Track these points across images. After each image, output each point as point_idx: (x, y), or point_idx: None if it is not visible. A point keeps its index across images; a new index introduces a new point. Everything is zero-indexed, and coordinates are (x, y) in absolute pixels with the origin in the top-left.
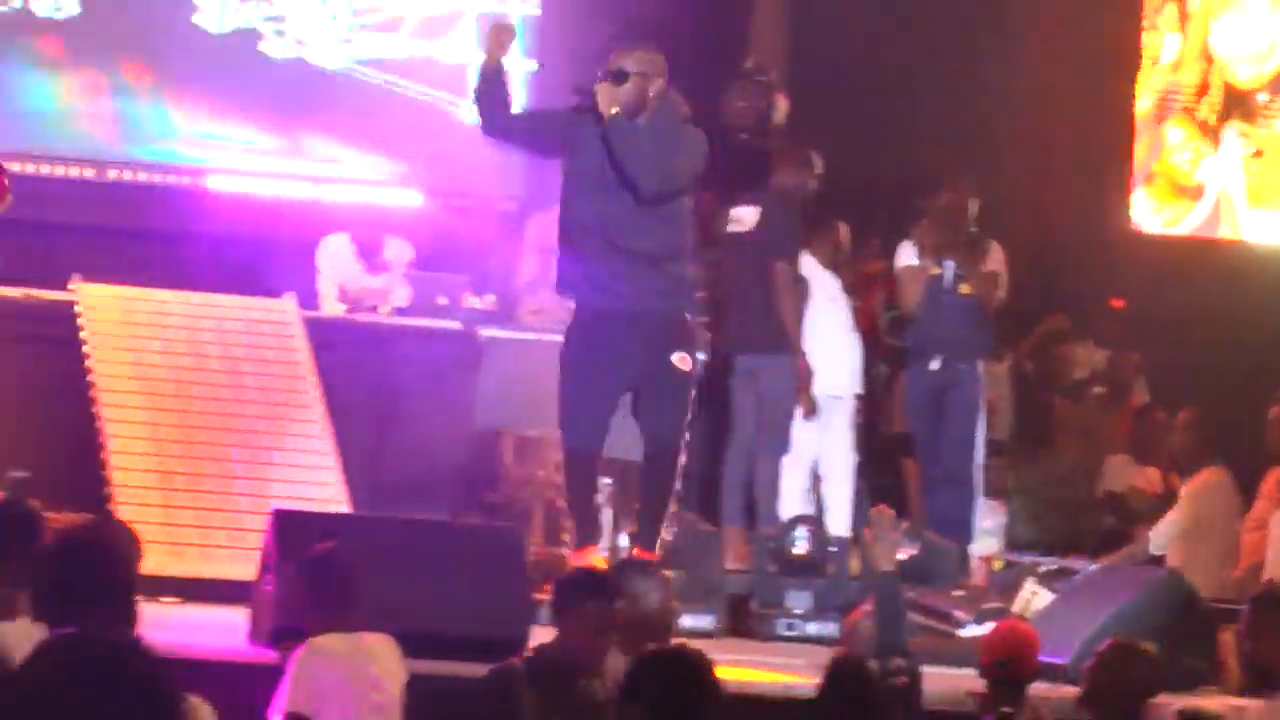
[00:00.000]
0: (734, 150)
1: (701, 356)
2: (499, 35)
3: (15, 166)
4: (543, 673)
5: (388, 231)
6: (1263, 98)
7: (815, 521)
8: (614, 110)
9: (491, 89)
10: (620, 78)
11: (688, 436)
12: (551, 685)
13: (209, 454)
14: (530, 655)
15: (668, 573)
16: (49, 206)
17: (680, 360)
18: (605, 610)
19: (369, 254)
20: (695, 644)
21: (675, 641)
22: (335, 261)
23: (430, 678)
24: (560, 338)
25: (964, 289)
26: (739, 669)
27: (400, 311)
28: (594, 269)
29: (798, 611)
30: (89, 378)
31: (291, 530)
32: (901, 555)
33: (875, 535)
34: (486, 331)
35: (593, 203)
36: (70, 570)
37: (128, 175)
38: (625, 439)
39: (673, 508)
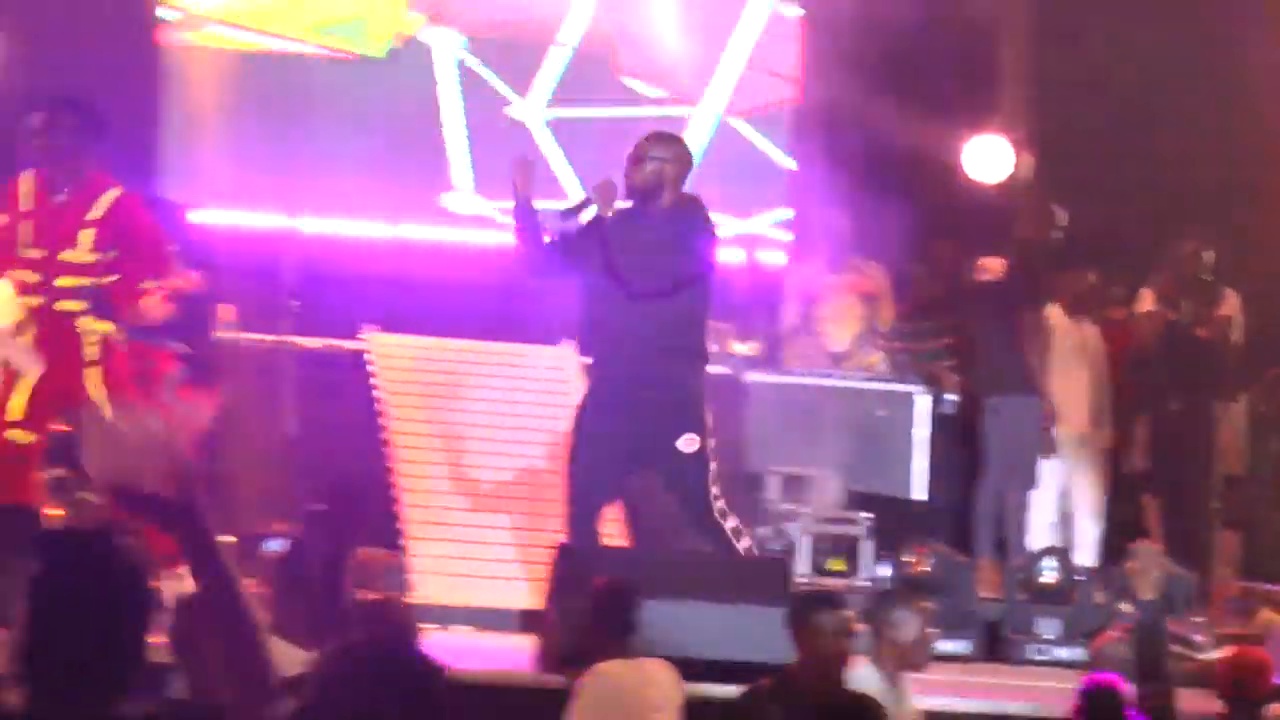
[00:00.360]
0: (982, 204)
1: (953, 397)
2: (523, 171)
3: (314, 223)
4: (787, 690)
5: None
6: None
7: (1063, 552)
8: (610, 212)
9: (526, 229)
10: (639, 161)
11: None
12: (794, 702)
13: (495, 491)
14: (777, 675)
15: (927, 604)
16: (345, 261)
17: (687, 442)
18: (833, 626)
19: None
20: (952, 667)
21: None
22: None
23: (691, 699)
24: (822, 380)
25: (1200, 333)
26: (993, 691)
27: None
28: (606, 352)
29: (1047, 637)
30: (381, 420)
31: (574, 563)
32: None
33: (1140, 566)
34: (753, 376)
35: (602, 293)
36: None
37: (416, 232)
38: (881, 474)
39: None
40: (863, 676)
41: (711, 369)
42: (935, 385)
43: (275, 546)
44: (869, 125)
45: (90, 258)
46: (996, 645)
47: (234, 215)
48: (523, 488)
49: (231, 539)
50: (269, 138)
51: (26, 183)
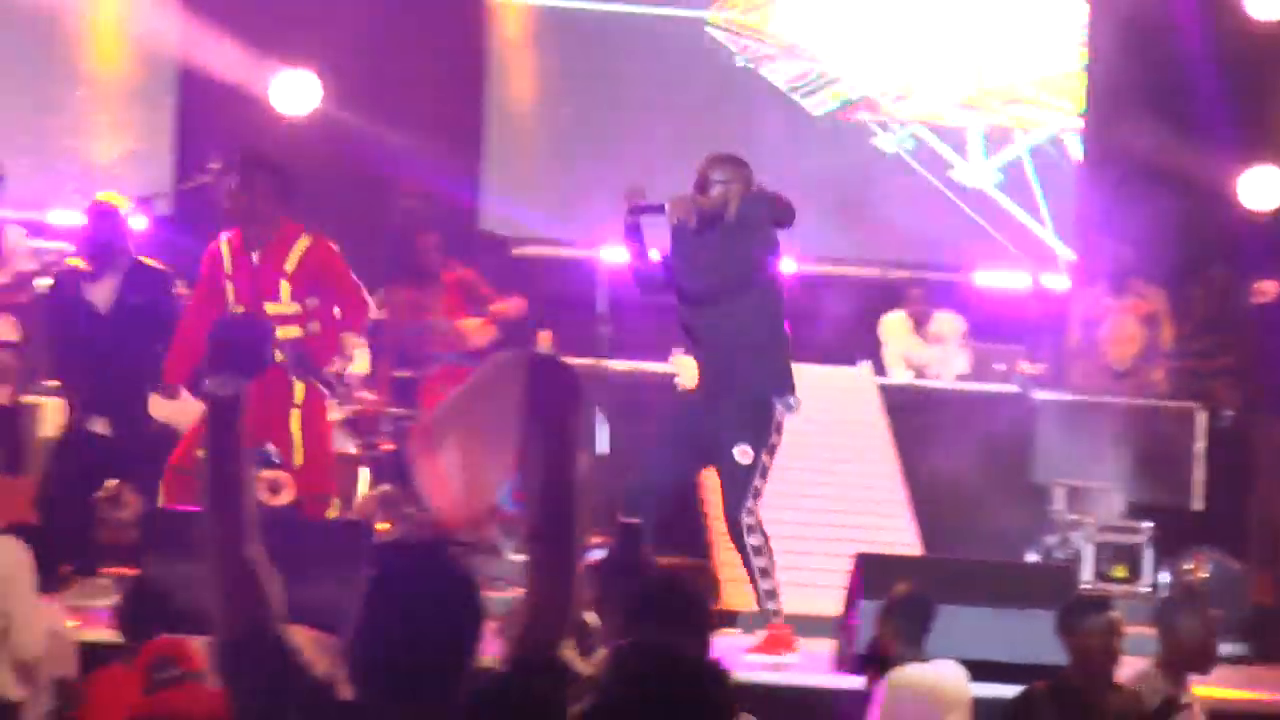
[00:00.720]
0: (1252, 230)
1: (1229, 413)
2: (635, 196)
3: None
4: (1060, 691)
5: (942, 307)
6: None
7: None
8: (676, 220)
9: (636, 248)
10: (704, 188)
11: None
12: (1067, 702)
13: (798, 503)
14: (1053, 676)
15: (1214, 611)
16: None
17: (741, 454)
18: (1101, 628)
19: (920, 326)
20: (1228, 669)
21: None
22: (893, 335)
23: (978, 699)
24: (1105, 398)
25: None
26: (1265, 691)
27: (961, 377)
28: (693, 353)
29: None
30: None
31: (873, 570)
32: None
33: None
34: (1040, 394)
35: (680, 299)
36: (662, 602)
37: None
38: (1161, 485)
39: (762, 562)
40: (1146, 678)
41: (1002, 388)
42: (1213, 401)
43: (593, 556)
44: (1149, 153)
45: (293, 308)
46: (1270, 648)
47: (553, 248)
48: (823, 500)
49: None
50: (597, 172)
51: (225, 246)
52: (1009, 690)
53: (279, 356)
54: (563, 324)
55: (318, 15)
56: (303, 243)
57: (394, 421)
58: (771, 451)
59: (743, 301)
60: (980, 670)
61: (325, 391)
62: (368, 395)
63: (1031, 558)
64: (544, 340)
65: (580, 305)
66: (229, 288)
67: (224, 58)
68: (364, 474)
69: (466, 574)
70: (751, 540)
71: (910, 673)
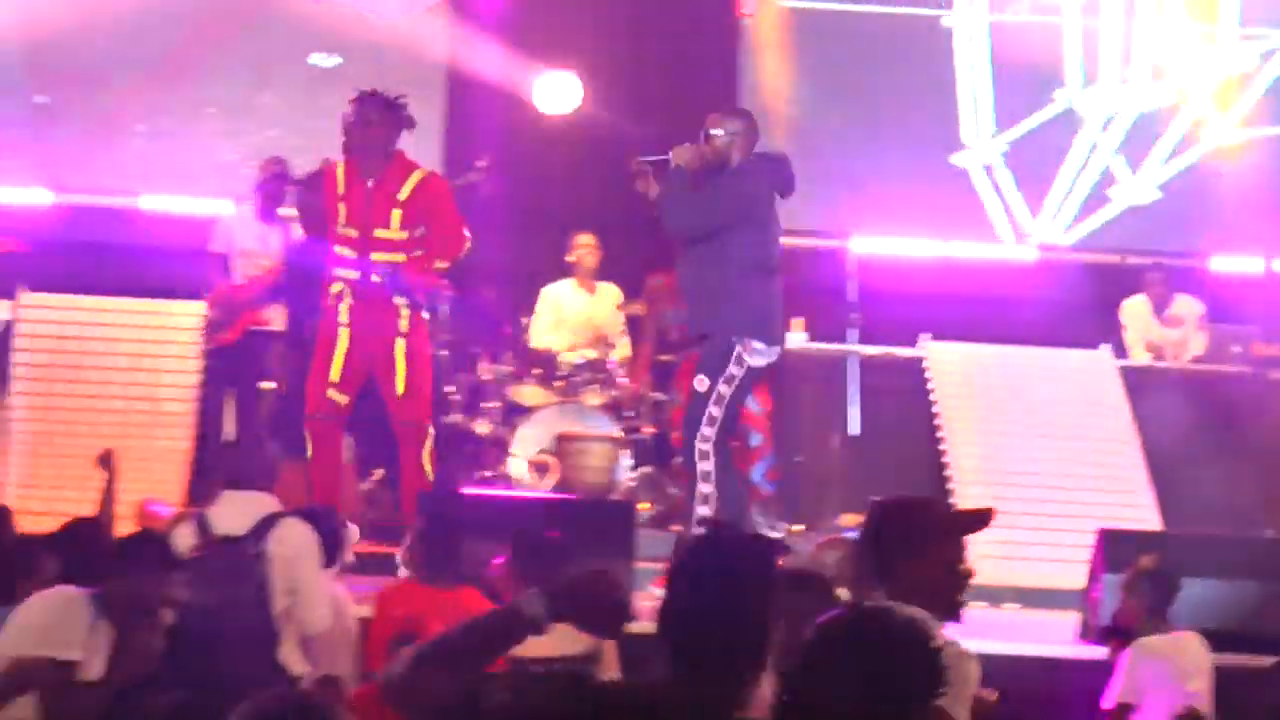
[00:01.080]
0: None
1: None
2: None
3: (874, 243)
4: None
5: (1181, 290)
6: None
7: None
8: (677, 165)
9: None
10: (710, 137)
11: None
12: None
13: (1042, 481)
14: None
15: None
16: (903, 279)
17: (698, 382)
18: None
19: (1160, 310)
20: None
21: None
22: (1134, 319)
23: (1223, 669)
24: None
25: None
26: None
27: (1198, 359)
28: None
29: None
30: (936, 420)
31: (1115, 545)
32: None
33: None
34: (1274, 374)
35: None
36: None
37: (969, 252)
38: None
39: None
40: None
41: (1236, 367)
42: None
43: (850, 535)
44: None
45: (401, 235)
46: None
47: (804, 238)
48: (1068, 478)
49: (800, 527)
50: (846, 165)
51: (340, 169)
52: (1247, 660)
53: (376, 278)
54: (814, 312)
55: (577, 17)
56: (418, 175)
57: (654, 405)
58: (730, 382)
59: (722, 246)
60: (1220, 640)
61: (426, 317)
62: (628, 381)
63: (1269, 534)
64: (796, 327)
65: (831, 293)
66: (341, 210)
67: (490, 60)
68: (626, 456)
69: (770, 561)
70: (703, 465)
71: (1152, 642)
